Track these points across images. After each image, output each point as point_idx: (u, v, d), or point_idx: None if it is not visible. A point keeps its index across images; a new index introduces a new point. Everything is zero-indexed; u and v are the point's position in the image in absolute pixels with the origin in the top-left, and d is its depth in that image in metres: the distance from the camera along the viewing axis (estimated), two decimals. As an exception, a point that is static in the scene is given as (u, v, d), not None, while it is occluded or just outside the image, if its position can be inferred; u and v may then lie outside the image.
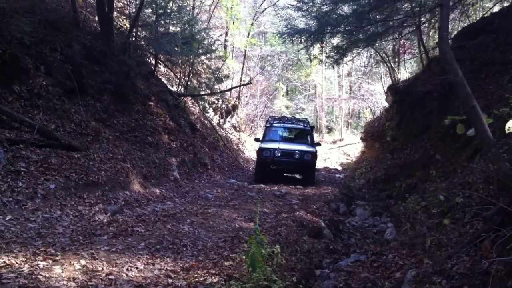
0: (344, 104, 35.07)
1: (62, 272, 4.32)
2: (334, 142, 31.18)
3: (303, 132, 16.00)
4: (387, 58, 19.67)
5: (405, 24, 13.98)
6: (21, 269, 4.19)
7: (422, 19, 13.65)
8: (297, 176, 15.95)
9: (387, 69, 20.46)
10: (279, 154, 13.93)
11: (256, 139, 16.22)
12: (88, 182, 7.68)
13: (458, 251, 5.15)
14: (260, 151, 14.34)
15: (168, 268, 5.02)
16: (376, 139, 17.37)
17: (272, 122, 16.21)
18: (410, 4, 12.75)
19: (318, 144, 15.79)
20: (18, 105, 8.03)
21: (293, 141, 15.57)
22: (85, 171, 7.86)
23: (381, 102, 24.74)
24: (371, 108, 27.90)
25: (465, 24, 15.21)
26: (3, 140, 6.78)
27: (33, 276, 4.09)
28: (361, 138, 21.39)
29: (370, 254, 6.99)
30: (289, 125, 16.20)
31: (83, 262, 4.65)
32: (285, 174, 15.15)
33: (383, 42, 17.19)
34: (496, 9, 14.25)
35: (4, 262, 4.26)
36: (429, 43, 17.30)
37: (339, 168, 20.41)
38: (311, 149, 14.39)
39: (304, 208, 9.50)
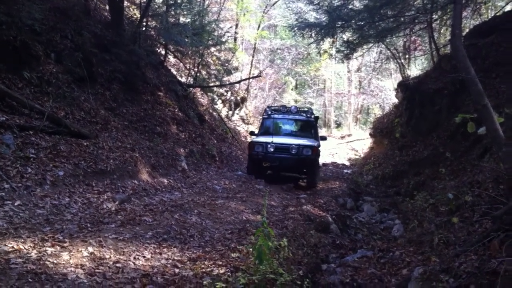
0: (353, 99, 34.94)
1: (70, 258, 4.34)
2: (342, 137, 31.07)
3: (306, 124, 13.91)
4: (397, 54, 19.57)
5: (416, 21, 13.91)
6: (29, 255, 4.21)
7: (434, 16, 13.56)
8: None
9: (398, 66, 20.35)
10: (272, 149, 11.97)
11: (252, 133, 14.62)
12: (96, 170, 7.70)
13: (466, 250, 5.13)
14: (251, 145, 12.53)
15: (175, 258, 5.03)
16: (385, 135, 17.30)
17: (269, 112, 14.16)
18: (422, 1, 12.65)
19: (324, 138, 13.95)
20: (28, 92, 8.05)
21: (293, 134, 13.52)
22: (94, 159, 7.88)
23: (391, 98, 24.65)
24: (380, 104, 27.77)
25: (477, 23, 15.08)
26: (13, 126, 6.80)
27: (41, 262, 4.11)
28: (370, 134, 21.31)
29: (377, 250, 6.99)
30: (290, 116, 13.95)
31: (90, 249, 4.67)
32: (281, 173, 13.10)
33: (394, 38, 17.11)
34: (508, 8, 14.12)
35: (13, 247, 4.28)
36: (440, 40, 17.19)
37: (347, 163, 20.35)
38: (311, 143, 12.37)
39: (311, 202, 9.50)
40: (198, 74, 17.58)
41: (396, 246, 7.03)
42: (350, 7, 14.12)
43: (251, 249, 5.13)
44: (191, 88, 16.64)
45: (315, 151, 12.16)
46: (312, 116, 14.01)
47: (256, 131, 14.62)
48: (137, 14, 15.63)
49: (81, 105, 9.29)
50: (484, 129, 5.88)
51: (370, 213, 10.02)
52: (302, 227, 7.38)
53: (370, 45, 17.43)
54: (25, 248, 4.34)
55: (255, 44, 26.27)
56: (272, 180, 12.32)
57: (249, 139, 22.00)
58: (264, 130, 13.69)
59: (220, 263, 4.95)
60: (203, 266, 4.81)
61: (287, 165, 12.10)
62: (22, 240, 4.53)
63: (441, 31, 17.85)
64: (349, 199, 10.89)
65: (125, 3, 13.98)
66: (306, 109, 14.67)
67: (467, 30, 14.01)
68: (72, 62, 9.73)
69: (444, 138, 10.79)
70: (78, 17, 11.08)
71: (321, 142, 13.67)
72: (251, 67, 25.81)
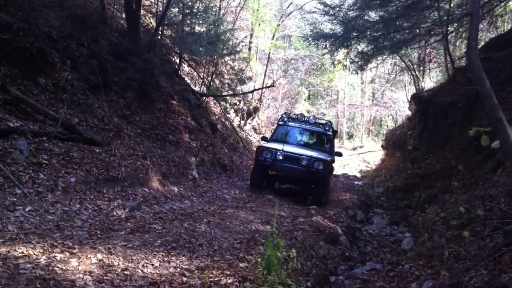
0: (366, 110, 34.81)
1: (79, 265, 4.36)
2: (354, 149, 30.92)
3: (322, 136, 13.22)
4: (412, 66, 19.49)
5: (432, 33, 13.87)
6: (38, 260, 4.24)
7: (450, 28, 13.49)
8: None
9: (412, 77, 20.26)
10: (281, 157, 11.18)
11: (263, 138, 13.66)
12: (108, 177, 7.75)
13: (477, 264, 5.08)
14: (259, 150, 11.77)
15: (183, 266, 5.03)
16: (397, 147, 17.20)
17: (286, 119, 13.36)
18: (438, 13, 12.61)
19: (339, 154, 13.25)
20: (43, 98, 8.15)
21: (307, 145, 12.79)
22: (106, 166, 7.93)
23: (404, 111, 24.50)
24: (393, 116, 27.63)
25: (493, 35, 14.98)
26: (26, 132, 6.88)
27: (50, 268, 4.13)
28: (382, 146, 21.20)
29: (386, 263, 6.94)
30: (306, 126, 13.23)
31: (99, 256, 4.69)
32: (288, 185, 12.53)
33: (408, 50, 17.05)
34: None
35: (22, 252, 4.31)
36: (456, 52, 17.09)
37: (358, 175, 20.24)
38: (324, 156, 11.65)
39: (321, 213, 9.45)
40: (211, 83, 17.67)
41: (405, 259, 6.97)
42: (365, 18, 14.16)
43: (259, 259, 5.11)
44: (204, 97, 16.71)
45: (327, 165, 11.40)
46: (330, 130, 13.28)
47: (269, 137, 13.71)
48: (153, 22, 15.77)
49: (95, 112, 9.38)
50: (498, 142, 5.85)
51: (380, 226, 9.95)
52: (311, 238, 7.35)
53: (385, 56, 17.41)
54: (34, 254, 4.37)
55: (269, 54, 26.36)
56: (281, 191, 11.89)
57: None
58: (277, 137, 12.97)
59: (228, 272, 4.93)
60: (211, 275, 4.80)
61: (294, 176, 11.36)
62: (32, 246, 4.56)
63: (457, 44, 17.76)
64: (359, 211, 10.82)
65: (142, 12, 14.11)
66: (325, 121, 14.03)
67: (483, 43, 13.93)
68: (88, 69, 9.83)
69: (457, 151, 10.70)
70: (95, 25, 11.22)
71: (336, 158, 13.12)
72: (264, 76, 25.87)
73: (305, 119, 13.44)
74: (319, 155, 11.60)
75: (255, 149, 15.82)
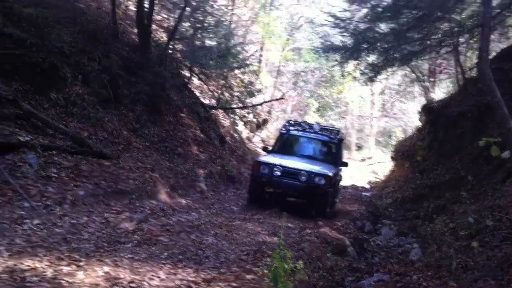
0: (375, 122, 34.72)
1: (85, 278, 4.38)
2: (363, 160, 30.82)
3: (328, 145, 12.24)
4: (422, 78, 19.43)
5: (442, 44, 13.82)
6: (45, 273, 4.27)
7: (461, 39, 13.46)
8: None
9: (422, 89, 20.19)
10: (278, 173, 10.35)
11: (265, 149, 12.76)
12: (116, 190, 7.81)
13: (485, 275, 5.06)
14: (255, 165, 10.96)
15: (190, 278, 5.02)
16: (406, 158, 17.12)
17: (288, 127, 12.43)
18: (449, 24, 12.59)
19: (345, 164, 12.06)
20: (54, 112, 8.28)
21: (310, 157, 11.71)
22: (114, 179, 8.00)
23: (414, 122, 24.42)
24: (403, 127, 27.54)
25: (504, 46, 14.92)
26: (36, 145, 6.99)
27: (56, 281, 4.16)
28: (391, 157, 21.11)
29: (393, 274, 6.89)
30: (311, 135, 12.17)
31: (106, 268, 4.71)
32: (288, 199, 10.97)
33: (419, 61, 17.01)
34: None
35: (29, 265, 4.34)
36: (466, 63, 17.01)
37: (367, 186, 20.15)
38: (326, 170, 10.65)
39: (328, 224, 9.41)
40: (221, 96, 17.78)
41: (413, 270, 6.92)
42: (376, 30, 14.18)
43: (266, 271, 5.11)
44: (213, 110, 16.81)
45: (329, 180, 10.40)
46: (337, 138, 12.25)
47: (271, 148, 12.70)
48: (164, 37, 15.95)
49: (104, 125, 9.49)
50: (508, 153, 5.85)
51: (388, 237, 9.88)
52: (319, 249, 7.32)
53: (395, 68, 17.39)
54: (41, 267, 4.40)
55: (279, 66, 26.47)
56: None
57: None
58: (279, 148, 12.09)
59: (235, 284, 4.93)
60: (217, 287, 4.81)
61: (293, 193, 10.37)
62: (39, 259, 4.60)
63: (468, 55, 17.67)
64: (367, 222, 10.75)
65: (153, 27, 14.30)
66: (331, 128, 12.97)
67: (494, 53, 13.88)
68: (99, 84, 9.98)
69: (466, 162, 10.65)
70: (106, 40, 11.39)
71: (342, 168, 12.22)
72: (274, 89, 25.97)
73: (309, 126, 12.48)
74: (321, 168, 10.70)
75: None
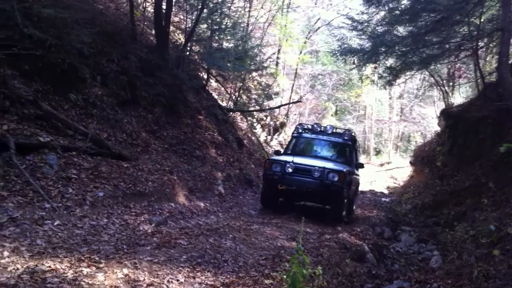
0: (394, 126, 34.44)
1: (105, 279, 4.37)
2: (381, 165, 30.55)
3: (341, 147, 12.03)
4: (441, 82, 19.23)
5: (461, 48, 13.69)
6: (65, 275, 4.27)
7: (480, 43, 13.28)
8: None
9: (441, 93, 19.97)
10: (290, 170, 10.11)
11: (276, 152, 12.31)
12: (135, 192, 7.82)
13: (507, 284, 4.96)
14: (267, 164, 10.77)
15: (208, 282, 5.00)
16: (426, 163, 16.90)
17: (300, 130, 12.37)
18: (468, 28, 12.44)
19: (361, 166, 12.23)
20: (73, 113, 8.31)
21: (323, 157, 11.49)
22: (133, 181, 8.01)
23: (433, 126, 24.17)
24: (422, 132, 27.26)
25: (525, 50, 14.69)
26: (56, 146, 7.01)
27: (76, 282, 4.16)
28: (410, 162, 20.88)
29: (413, 282, 6.81)
30: (323, 137, 12.08)
31: (125, 271, 4.70)
32: (302, 202, 11.38)
33: (438, 65, 16.83)
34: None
35: (50, 266, 4.35)
36: (486, 68, 16.79)
37: (386, 191, 19.96)
38: (341, 167, 10.43)
39: (348, 230, 9.31)
40: (239, 99, 17.77)
41: (433, 278, 6.82)
42: (394, 33, 14.07)
43: (285, 276, 5.05)
44: (231, 112, 16.81)
45: (343, 177, 10.05)
46: (350, 139, 12.05)
47: (283, 150, 12.66)
48: (181, 38, 16.01)
49: (123, 127, 9.52)
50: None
51: (408, 243, 9.74)
52: (338, 255, 7.23)
53: (413, 72, 17.24)
54: (61, 268, 4.41)
55: (296, 69, 26.41)
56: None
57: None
58: (291, 150, 11.94)
59: (253, 289, 4.90)
60: (236, 292, 4.77)
61: (305, 190, 10.13)
62: (59, 260, 4.61)
63: (487, 59, 17.45)
64: (387, 228, 10.61)
65: (171, 28, 14.35)
66: (343, 130, 12.71)
67: (514, 57, 13.67)
68: (117, 85, 10.03)
69: (487, 168, 10.46)
70: (125, 41, 11.45)
71: (360, 170, 12.31)
72: (291, 92, 25.91)
73: (322, 129, 12.29)
74: (334, 166, 10.51)
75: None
